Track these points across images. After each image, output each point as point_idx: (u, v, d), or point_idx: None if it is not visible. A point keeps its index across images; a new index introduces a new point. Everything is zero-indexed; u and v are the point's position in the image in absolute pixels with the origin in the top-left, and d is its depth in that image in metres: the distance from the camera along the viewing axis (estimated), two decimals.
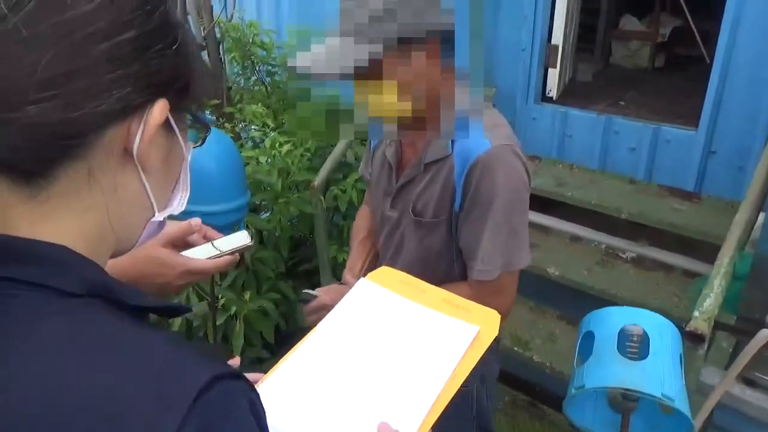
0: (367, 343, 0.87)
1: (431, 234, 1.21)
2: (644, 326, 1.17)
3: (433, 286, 0.94)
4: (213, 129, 1.59)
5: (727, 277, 1.47)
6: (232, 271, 2.30)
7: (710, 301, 1.45)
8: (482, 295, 1.11)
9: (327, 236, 2.39)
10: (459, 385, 0.78)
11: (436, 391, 0.77)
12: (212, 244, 0.95)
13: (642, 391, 1.07)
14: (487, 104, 1.19)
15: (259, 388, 0.77)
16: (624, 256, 2.38)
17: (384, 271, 0.99)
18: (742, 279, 1.49)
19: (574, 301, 2.39)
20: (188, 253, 0.94)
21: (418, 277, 1.00)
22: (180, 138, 0.55)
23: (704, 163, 2.33)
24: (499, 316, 0.84)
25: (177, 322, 2.17)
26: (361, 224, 1.52)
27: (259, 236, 2.36)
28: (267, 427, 0.48)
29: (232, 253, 0.95)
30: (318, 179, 2.28)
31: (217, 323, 2.12)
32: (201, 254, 0.94)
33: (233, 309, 2.14)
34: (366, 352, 0.85)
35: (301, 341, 0.88)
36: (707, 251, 2.25)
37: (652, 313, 1.20)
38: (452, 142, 1.13)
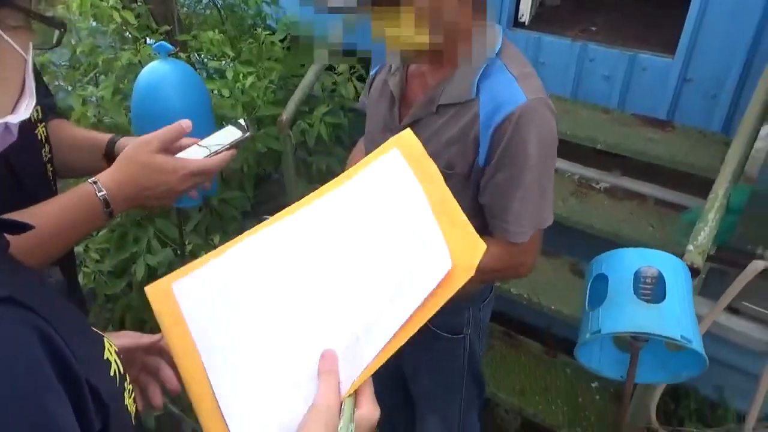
0: (351, 236, 0.73)
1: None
2: (659, 267, 1.15)
3: (441, 179, 0.78)
4: (174, 60, 1.39)
5: (721, 211, 1.47)
6: (195, 215, 2.16)
7: (704, 234, 1.45)
8: (514, 254, 1.08)
9: (295, 177, 2.26)
10: (419, 326, 0.65)
11: (396, 325, 0.65)
12: (199, 144, 0.89)
13: (662, 334, 1.06)
14: (508, 44, 1.07)
15: (223, 256, 0.71)
16: (597, 186, 2.38)
17: (410, 137, 0.81)
18: (734, 212, 1.50)
19: (548, 232, 2.39)
20: (181, 155, 0.89)
21: None
22: (8, 38, 0.49)
23: (678, 91, 2.31)
24: (481, 251, 0.72)
25: (139, 272, 2.03)
26: (357, 158, 1.41)
27: (220, 176, 2.20)
28: (68, 363, 0.45)
29: (229, 147, 0.89)
30: (286, 113, 2.12)
31: None
32: (196, 156, 0.88)
33: (202, 254, 2.01)
34: (343, 248, 0.72)
35: (295, 208, 0.76)
36: (680, 181, 2.27)
37: (666, 254, 1.17)
38: (478, 86, 1.02)
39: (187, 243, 2.03)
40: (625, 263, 1.16)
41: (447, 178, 1.06)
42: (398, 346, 0.64)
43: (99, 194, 0.83)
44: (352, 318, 0.66)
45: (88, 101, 1.94)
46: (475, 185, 1.08)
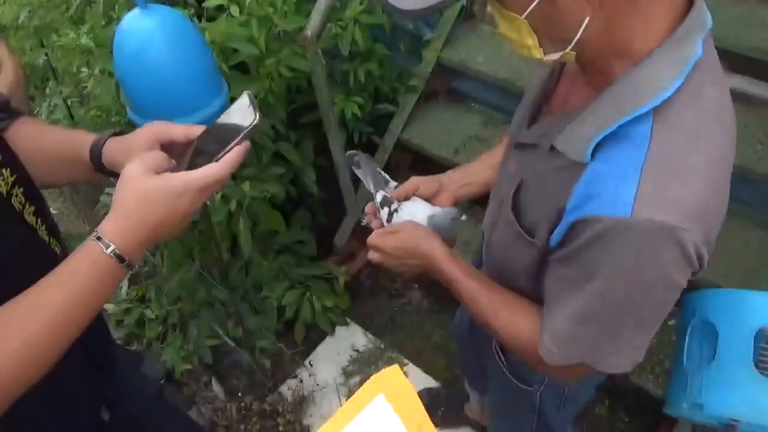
0: None
1: (520, 244, 0.86)
2: None
3: (430, 426, 0.68)
4: (156, 7, 1.08)
5: None
6: None
7: None
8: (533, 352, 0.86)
9: (330, 93, 1.94)
10: None
11: None
12: (202, 138, 0.78)
13: None
14: (699, 83, 0.70)
15: None
16: None
17: (397, 377, 0.71)
18: None
19: None
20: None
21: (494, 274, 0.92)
22: None
23: None
24: None
25: None
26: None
27: None
28: None
29: (241, 140, 0.75)
30: (311, 27, 1.74)
31: (215, 221, 1.82)
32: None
33: (233, 203, 1.82)
34: None
35: None
36: None
37: None
38: (595, 150, 0.72)
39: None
40: (744, 314, 0.89)
41: (527, 244, 0.84)
42: None
43: (108, 251, 0.71)
44: None
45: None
46: (544, 268, 0.82)
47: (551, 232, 0.78)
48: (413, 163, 2.33)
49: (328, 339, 2.31)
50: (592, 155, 0.71)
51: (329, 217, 2.50)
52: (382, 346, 2.29)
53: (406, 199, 1.03)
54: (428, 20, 2.17)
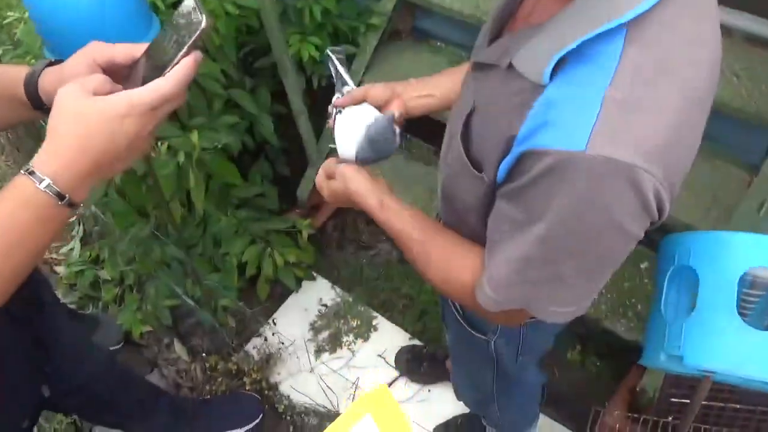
0: None
1: (468, 179, 0.77)
2: None
3: None
4: None
5: None
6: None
7: None
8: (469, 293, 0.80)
9: (283, 34, 1.78)
10: None
11: None
12: (148, 53, 0.69)
13: None
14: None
15: None
16: None
17: (385, 396, 0.72)
18: None
19: None
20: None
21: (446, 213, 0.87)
22: None
23: None
24: None
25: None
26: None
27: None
28: None
29: (189, 49, 0.66)
30: None
31: (163, 174, 1.69)
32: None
33: (181, 155, 1.68)
34: None
35: None
36: None
37: None
38: (555, 69, 0.62)
39: (157, 142, 1.69)
40: (728, 258, 0.82)
41: (472, 181, 0.76)
42: None
43: (42, 186, 0.61)
44: None
45: None
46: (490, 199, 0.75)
47: (499, 164, 0.69)
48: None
49: (293, 295, 2.23)
50: (551, 77, 0.61)
51: (291, 167, 2.38)
52: (351, 299, 2.22)
53: (357, 104, 0.95)
54: None
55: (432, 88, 1.01)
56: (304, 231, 2.13)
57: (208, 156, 1.77)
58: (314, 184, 2.22)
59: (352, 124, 0.91)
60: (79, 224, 2.37)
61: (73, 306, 2.21)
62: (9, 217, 0.62)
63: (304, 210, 2.32)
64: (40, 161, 0.63)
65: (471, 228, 0.83)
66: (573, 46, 0.59)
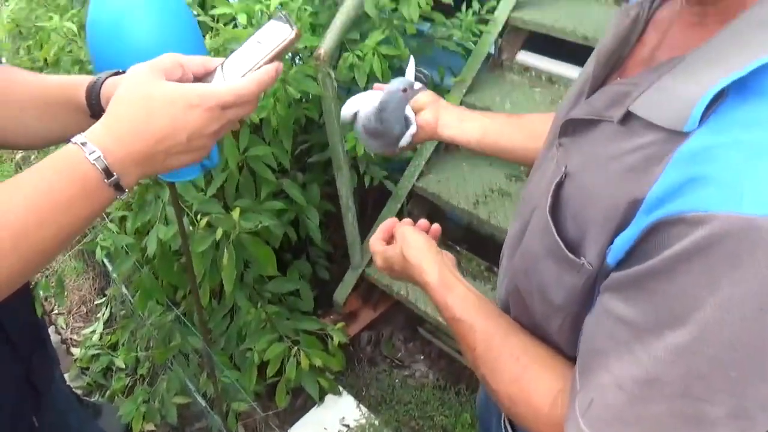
0: None
1: (556, 266, 0.59)
2: None
3: None
4: None
5: None
6: (218, 174, 1.74)
7: None
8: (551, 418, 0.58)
9: (341, 126, 1.77)
10: None
11: None
12: (221, 68, 0.65)
13: None
14: None
15: None
16: None
17: None
18: None
19: None
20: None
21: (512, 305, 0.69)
22: None
23: None
24: None
25: (151, 246, 1.66)
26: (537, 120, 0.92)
27: (251, 128, 1.74)
28: None
29: (270, 59, 0.64)
30: (324, 45, 1.60)
31: (197, 251, 1.60)
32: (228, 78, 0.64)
33: (219, 231, 1.61)
34: None
35: None
36: None
37: None
38: (707, 111, 0.46)
39: (196, 215, 1.62)
40: None
41: (561, 269, 0.58)
42: None
43: (91, 157, 0.56)
44: None
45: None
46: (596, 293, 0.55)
47: (610, 243, 0.51)
48: (429, 215, 2.12)
49: (314, 409, 2.00)
50: (701, 119, 0.46)
51: (332, 272, 2.27)
52: (377, 422, 1.96)
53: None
54: (452, 65, 2.03)
55: (475, 128, 0.93)
56: (336, 336, 1.96)
57: (248, 239, 1.68)
58: (353, 290, 2.11)
59: (371, 95, 0.95)
60: (107, 306, 2.27)
61: (79, 391, 2.04)
62: (48, 184, 0.55)
63: (338, 316, 2.16)
64: (93, 134, 0.58)
65: (549, 339, 0.64)
66: (742, 73, 0.44)
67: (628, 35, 0.62)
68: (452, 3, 1.88)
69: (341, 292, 2.14)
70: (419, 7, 1.82)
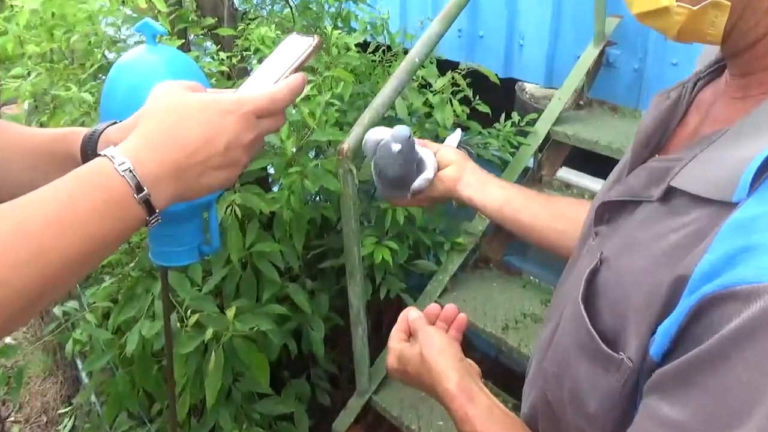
0: None
1: (591, 363, 0.52)
2: None
3: None
4: (164, 48, 0.87)
5: None
6: (218, 269, 1.56)
7: None
8: None
9: (358, 224, 1.61)
10: None
11: None
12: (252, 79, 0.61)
13: None
14: None
15: None
16: None
17: None
18: None
19: None
20: None
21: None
22: None
23: None
24: None
25: (131, 343, 1.44)
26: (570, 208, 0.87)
27: (261, 223, 1.59)
28: None
29: (297, 68, 0.60)
30: (349, 140, 1.49)
31: (181, 353, 1.38)
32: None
33: (209, 332, 1.39)
34: None
35: None
36: None
37: None
38: (754, 181, 0.43)
39: (186, 311, 1.42)
40: None
41: (597, 368, 0.51)
42: None
43: (120, 168, 0.50)
44: None
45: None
46: (640, 393, 0.47)
47: (652, 333, 0.45)
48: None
49: None
50: (750, 188, 0.43)
51: (334, 398, 1.99)
52: None
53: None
54: (489, 169, 1.91)
55: (497, 194, 0.89)
56: None
57: (241, 345, 1.46)
58: (356, 419, 1.83)
59: (384, 130, 0.91)
60: (70, 417, 2.00)
61: None
62: (69, 194, 0.50)
63: None
64: (124, 146, 0.53)
65: None
66: None
67: (669, 117, 0.60)
68: (489, 113, 1.80)
69: (343, 421, 1.85)
70: (455, 114, 1.74)
